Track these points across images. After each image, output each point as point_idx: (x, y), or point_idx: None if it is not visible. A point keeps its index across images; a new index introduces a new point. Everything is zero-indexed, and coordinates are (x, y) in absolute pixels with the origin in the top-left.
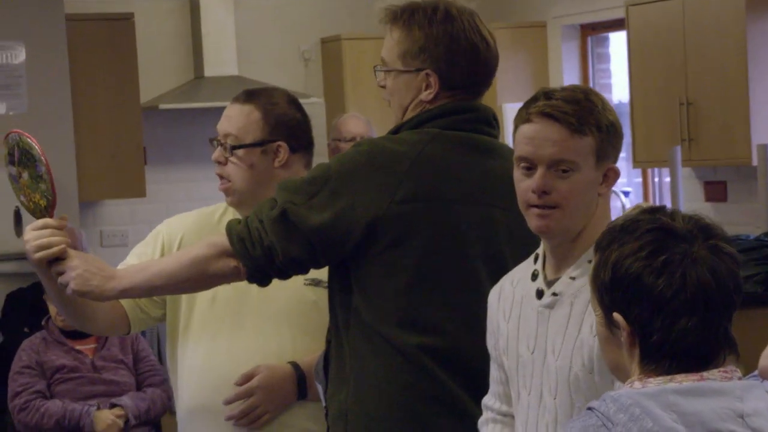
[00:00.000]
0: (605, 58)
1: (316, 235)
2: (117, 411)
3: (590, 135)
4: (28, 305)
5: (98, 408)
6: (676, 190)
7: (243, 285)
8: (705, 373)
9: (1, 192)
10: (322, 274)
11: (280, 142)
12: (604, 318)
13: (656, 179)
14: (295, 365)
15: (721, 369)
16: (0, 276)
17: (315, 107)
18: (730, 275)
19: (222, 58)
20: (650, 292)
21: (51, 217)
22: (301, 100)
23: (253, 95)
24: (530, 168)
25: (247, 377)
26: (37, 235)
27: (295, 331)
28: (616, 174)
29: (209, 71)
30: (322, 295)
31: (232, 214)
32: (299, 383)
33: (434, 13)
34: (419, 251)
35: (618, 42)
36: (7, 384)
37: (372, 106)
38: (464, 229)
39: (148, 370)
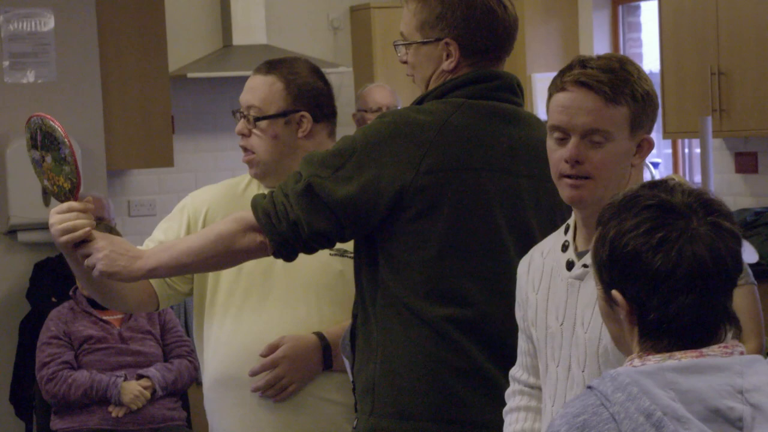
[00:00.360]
0: (636, 27)
1: (342, 208)
2: (144, 382)
3: (625, 105)
4: (56, 275)
5: (125, 379)
6: (707, 161)
7: (268, 257)
8: (704, 350)
9: (28, 161)
10: (348, 244)
11: (303, 112)
12: (603, 293)
13: (686, 150)
14: (320, 335)
15: (722, 345)
16: (28, 245)
17: (344, 76)
18: (728, 252)
19: (251, 27)
20: (647, 270)
21: (76, 199)
22: (330, 70)
23: (274, 66)
24: (563, 137)
25: (273, 348)
26: (61, 218)
27: (322, 301)
28: (651, 145)
29: (238, 40)
30: (348, 265)
31: (257, 185)
32: (325, 353)
33: None
34: (446, 221)
35: (649, 11)
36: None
37: (401, 76)
38: (490, 197)
39: (175, 341)
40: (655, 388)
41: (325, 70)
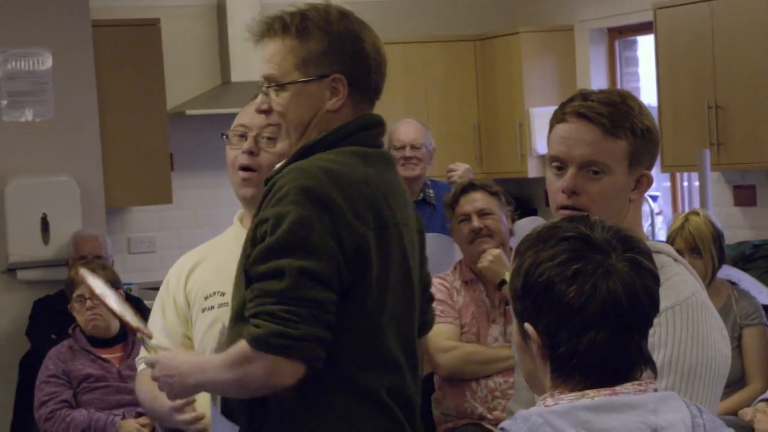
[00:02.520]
0: (633, 61)
1: (332, 277)
2: (143, 420)
3: (624, 138)
4: (55, 312)
5: (123, 417)
6: (705, 194)
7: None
8: (618, 387)
9: (28, 200)
10: None
11: None
12: (518, 326)
13: (685, 183)
14: None
15: (635, 382)
16: (27, 283)
17: None
18: (645, 290)
19: (249, 64)
20: (559, 301)
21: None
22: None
23: None
24: (561, 168)
25: None
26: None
27: None
28: (650, 181)
29: (236, 76)
30: None
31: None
32: None
33: (328, 12)
34: (379, 283)
35: (646, 45)
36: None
37: (399, 111)
38: (410, 253)
39: None
40: (568, 428)
41: None
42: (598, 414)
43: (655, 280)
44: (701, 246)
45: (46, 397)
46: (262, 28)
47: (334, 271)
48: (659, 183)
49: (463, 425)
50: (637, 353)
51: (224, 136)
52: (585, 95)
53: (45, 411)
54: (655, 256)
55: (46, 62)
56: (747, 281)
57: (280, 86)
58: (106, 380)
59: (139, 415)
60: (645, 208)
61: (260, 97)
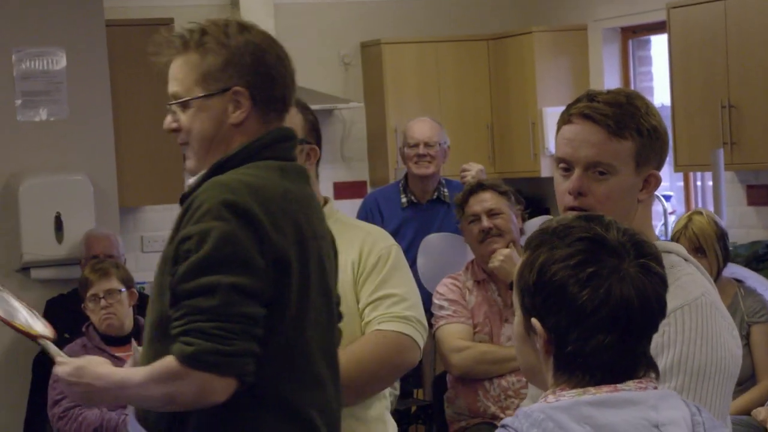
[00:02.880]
0: (646, 60)
1: (260, 291)
2: None
3: (630, 139)
4: (69, 311)
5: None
6: (719, 194)
7: None
8: (619, 385)
9: (42, 199)
10: None
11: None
12: (522, 319)
13: (698, 183)
14: None
15: (637, 380)
16: (40, 282)
17: (355, 112)
18: (655, 296)
19: None
20: (571, 303)
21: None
22: (341, 105)
23: None
24: (568, 169)
25: None
26: None
27: None
28: (658, 181)
29: None
30: None
31: None
32: None
33: (227, 27)
34: (299, 297)
35: (659, 45)
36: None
37: (413, 110)
38: (326, 266)
39: None
40: (571, 422)
41: (336, 105)
42: (600, 409)
43: (664, 284)
44: (705, 245)
45: (59, 396)
46: (165, 46)
47: (262, 285)
48: (672, 183)
49: (476, 424)
50: (641, 356)
51: None
52: (591, 96)
53: (58, 410)
54: (665, 255)
55: (60, 62)
56: (753, 279)
57: (184, 103)
58: None
59: None
60: (658, 208)
61: (168, 116)
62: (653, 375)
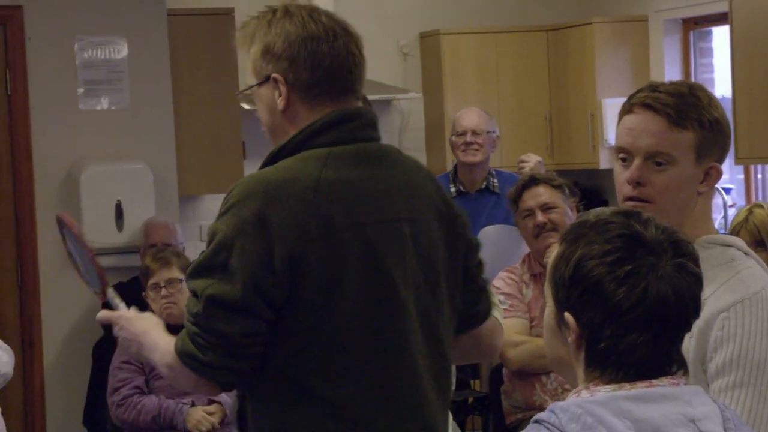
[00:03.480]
0: (708, 52)
1: (247, 304)
2: (214, 408)
3: (691, 130)
4: (128, 299)
5: (193, 404)
6: None
7: None
8: (654, 380)
9: (103, 187)
10: None
11: None
12: (555, 312)
13: (759, 176)
14: None
15: (670, 376)
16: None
17: (414, 102)
18: (691, 296)
19: None
20: (607, 300)
21: (102, 300)
22: (400, 96)
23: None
24: (627, 159)
25: None
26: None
27: None
28: (719, 173)
29: None
30: None
31: None
32: None
33: (272, 14)
34: (347, 288)
35: (721, 36)
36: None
37: (471, 101)
38: (381, 253)
39: None
40: (611, 417)
41: (395, 96)
42: (637, 404)
43: (700, 284)
44: (766, 238)
45: (119, 383)
46: (238, 40)
47: (252, 298)
48: (733, 175)
49: (532, 417)
50: (675, 355)
51: None
52: (654, 87)
53: (117, 398)
54: (725, 249)
55: (122, 51)
56: None
57: (246, 94)
58: None
59: (210, 402)
60: (718, 201)
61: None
62: (683, 372)
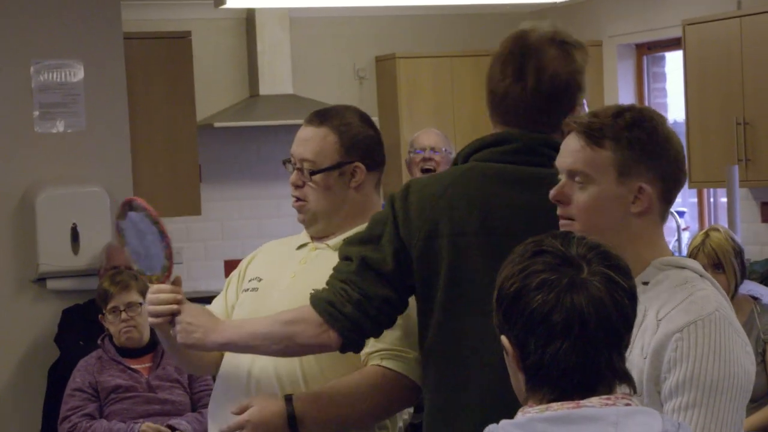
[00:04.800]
0: (661, 77)
1: (393, 274)
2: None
3: (608, 148)
4: (84, 321)
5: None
6: (733, 210)
7: (262, 294)
8: (583, 401)
9: (59, 211)
10: None
11: (356, 163)
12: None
13: (712, 200)
14: (288, 400)
15: (603, 396)
16: (57, 293)
17: None
18: (615, 306)
19: (277, 77)
20: (525, 310)
21: (165, 282)
22: None
23: (326, 117)
24: (560, 179)
25: (242, 408)
26: (150, 299)
27: None
28: (648, 194)
29: (264, 89)
30: None
31: (310, 249)
32: (290, 419)
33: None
34: (444, 287)
35: (674, 61)
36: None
37: (426, 124)
38: (483, 263)
39: (203, 389)
40: None
41: None
42: (555, 425)
43: (631, 297)
44: (723, 261)
45: (69, 411)
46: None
47: (398, 272)
48: (685, 199)
49: None
50: (607, 368)
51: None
52: (594, 112)
53: (67, 425)
54: (680, 271)
55: (78, 74)
56: None
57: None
58: (135, 390)
59: (172, 429)
60: (671, 224)
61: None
62: (630, 389)
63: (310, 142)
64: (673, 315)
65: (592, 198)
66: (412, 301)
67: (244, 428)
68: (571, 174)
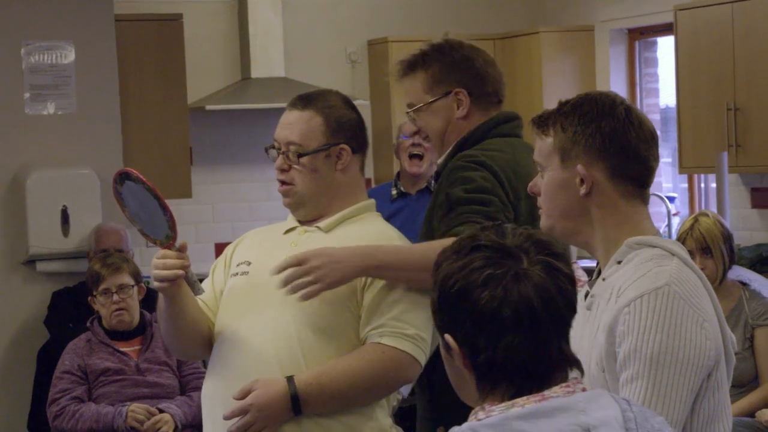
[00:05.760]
0: (653, 62)
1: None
2: (164, 416)
3: (551, 135)
4: (74, 303)
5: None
6: (723, 196)
7: (254, 276)
8: (546, 392)
9: (49, 192)
10: None
11: (342, 145)
12: (441, 340)
13: (702, 185)
14: (290, 381)
15: (563, 384)
16: (47, 275)
17: (361, 109)
18: (559, 292)
19: (269, 60)
20: (473, 308)
21: (170, 248)
22: None
23: (310, 100)
24: None
25: (245, 392)
26: (156, 263)
27: (285, 317)
28: (586, 175)
29: (256, 73)
30: (334, 293)
31: (301, 231)
32: (293, 400)
33: (444, 46)
34: None
35: (666, 46)
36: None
37: None
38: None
39: (192, 372)
40: None
41: None
42: (530, 421)
43: (570, 281)
44: (712, 246)
45: (58, 394)
46: (399, 70)
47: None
48: (677, 184)
49: None
50: (558, 355)
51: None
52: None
53: (56, 408)
54: (650, 250)
55: (69, 56)
56: (758, 282)
57: (416, 110)
58: (123, 373)
59: (160, 411)
60: (661, 209)
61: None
62: (579, 373)
63: (296, 125)
64: (627, 290)
65: (546, 185)
66: None
67: (248, 412)
68: (537, 166)
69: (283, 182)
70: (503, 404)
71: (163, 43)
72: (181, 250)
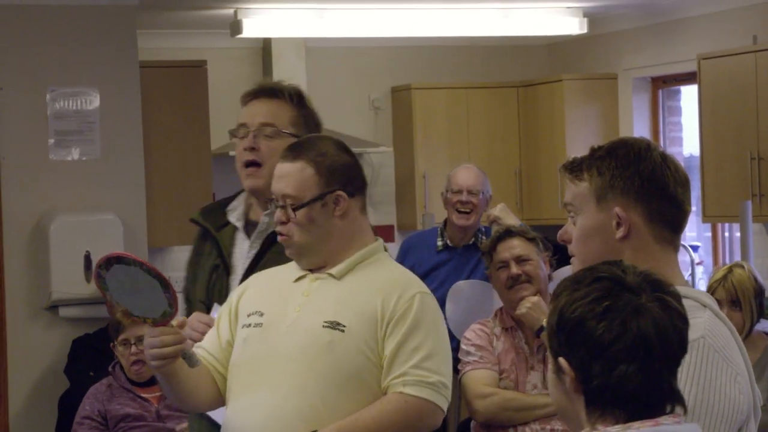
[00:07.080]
0: (676, 111)
1: None
2: None
3: (586, 180)
4: (95, 350)
5: None
6: (747, 245)
7: (269, 330)
8: (660, 419)
9: (72, 238)
10: (339, 316)
11: (338, 192)
12: (552, 363)
13: (726, 234)
14: None
15: (672, 415)
16: (67, 321)
17: (384, 156)
18: (674, 330)
19: None
20: (590, 337)
21: (166, 324)
22: (371, 149)
23: (300, 150)
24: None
25: None
26: (151, 342)
27: (307, 374)
28: (624, 218)
29: None
30: (338, 337)
31: (314, 280)
32: None
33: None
34: None
35: (689, 95)
36: None
37: (441, 155)
38: None
39: None
40: None
41: (365, 149)
42: None
43: (684, 321)
44: (742, 299)
45: None
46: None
47: None
48: (701, 233)
49: None
50: (667, 389)
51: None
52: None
53: None
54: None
55: (94, 102)
56: None
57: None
58: (144, 419)
59: None
60: (686, 258)
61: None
62: (682, 410)
63: (288, 177)
64: None
65: (579, 229)
66: None
67: None
68: (567, 210)
69: (280, 234)
70: (618, 426)
71: (187, 89)
72: (181, 326)
